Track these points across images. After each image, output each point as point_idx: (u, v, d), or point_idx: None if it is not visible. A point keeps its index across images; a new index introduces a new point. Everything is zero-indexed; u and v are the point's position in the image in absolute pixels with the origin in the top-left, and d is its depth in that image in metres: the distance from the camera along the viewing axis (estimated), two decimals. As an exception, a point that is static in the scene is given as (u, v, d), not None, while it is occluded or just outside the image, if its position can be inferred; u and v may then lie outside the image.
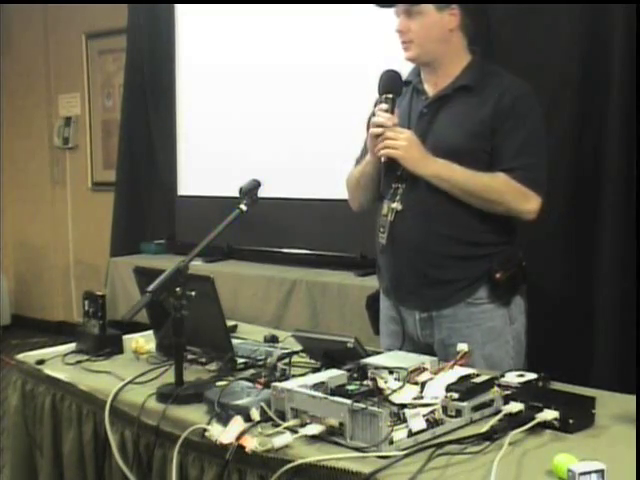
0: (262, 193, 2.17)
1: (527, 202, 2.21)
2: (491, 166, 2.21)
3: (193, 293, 1.93)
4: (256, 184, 2.17)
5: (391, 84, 2.25)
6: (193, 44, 4.87)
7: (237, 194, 2.16)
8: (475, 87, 2.25)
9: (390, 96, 2.22)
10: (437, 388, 1.67)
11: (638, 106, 2.84)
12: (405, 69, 2.36)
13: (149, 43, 5.09)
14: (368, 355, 1.88)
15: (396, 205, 2.26)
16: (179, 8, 4.94)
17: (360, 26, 3.87)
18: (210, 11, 4.68)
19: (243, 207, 2.12)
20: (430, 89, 2.32)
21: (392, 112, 2.22)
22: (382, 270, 2.39)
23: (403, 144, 2.18)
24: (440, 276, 2.25)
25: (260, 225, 3.92)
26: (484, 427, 1.58)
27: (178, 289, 1.91)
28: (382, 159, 2.21)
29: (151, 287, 1.90)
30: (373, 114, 2.27)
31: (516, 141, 2.20)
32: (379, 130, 2.20)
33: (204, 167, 4.77)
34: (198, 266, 3.71)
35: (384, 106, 2.21)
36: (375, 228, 2.33)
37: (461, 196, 2.19)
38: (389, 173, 2.24)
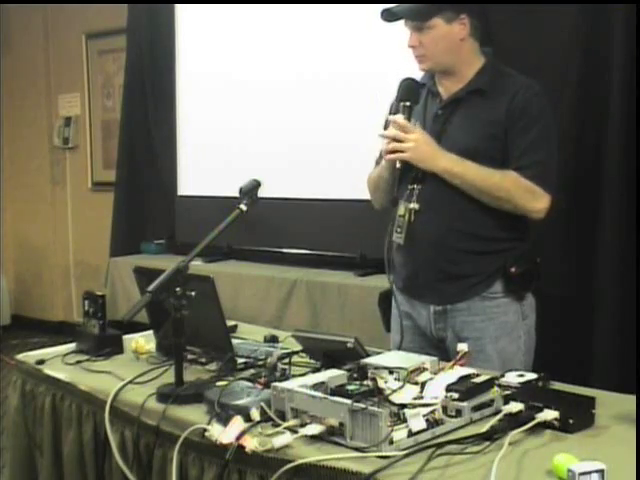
0: (262, 193, 2.17)
1: (535, 201, 2.23)
2: (504, 165, 2.23)
3: (193, 293, 1.93)
4: (256, 184, 2.17)
5: (409, 92, 2.28)
6: (193, 44, 4.87)
7: (237, 194, 2.16)
8: (488, 90, 2.27)
9: (407, 104, 2.25)
10: (437, 388, 1.67)
11: (638, 106, 2.84)
12: (404, 73, 2.35)
13: (149, 43, 5.09)
14: (368, 355, 1.88)
15: (413, 205, 2.28)
16: (179, 8, 4.94)
17: (359, 31, 3.86)
18: (210, 11, 4.68)
19: (243, 207, 2.12)
20: (444, 92, 2.34)
21: (409, 122, 2.24)
22: (397, 267, 2.40)
23: (410, 145, 2.20)
24: (456, 271, 2.28)
25: (260, 225, 3.92)
26: (484, 427, 1.58)
27: (178, 289, 1.91)
28: (397, 164, 2.23)
29: (151, 287, 1.90)
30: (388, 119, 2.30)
31: (526, 140, 2.22)
32: (391, 145, 2.22)
33: (204, 167, 4.76)
34: (198, 266, 3.71)
35: (400, 117, 2.23)
36: (392, 228, 2.33)
37: (471, 192, 2.21)
38: (406, 175, 2.27)
